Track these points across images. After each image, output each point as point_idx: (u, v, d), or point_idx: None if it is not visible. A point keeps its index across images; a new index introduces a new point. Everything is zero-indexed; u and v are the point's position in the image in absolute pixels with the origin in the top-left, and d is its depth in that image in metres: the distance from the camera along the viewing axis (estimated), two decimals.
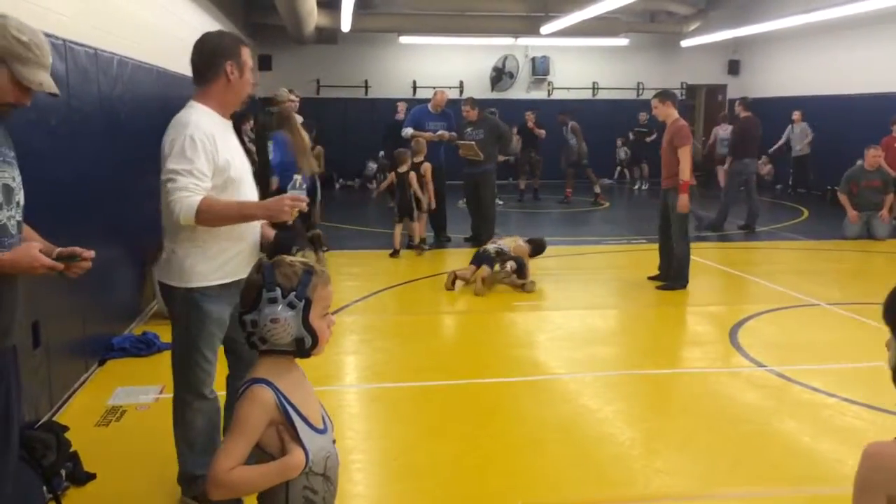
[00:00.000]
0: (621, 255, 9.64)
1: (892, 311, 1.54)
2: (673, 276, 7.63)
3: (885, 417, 4.30)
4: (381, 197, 10.49)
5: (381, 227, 10.17)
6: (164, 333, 5.63)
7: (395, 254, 9.14)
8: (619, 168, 18.10)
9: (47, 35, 4.32)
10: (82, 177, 4.92)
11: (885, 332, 1.66)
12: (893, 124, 11.57)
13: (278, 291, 1.86)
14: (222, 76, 3.06)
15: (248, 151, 3.51)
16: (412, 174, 9.19)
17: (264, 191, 7.84)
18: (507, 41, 17.35)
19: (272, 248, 3.16)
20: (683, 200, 7.30)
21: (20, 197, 2.56)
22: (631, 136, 16.67)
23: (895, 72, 13.53)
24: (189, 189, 2.89)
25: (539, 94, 18.16)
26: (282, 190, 6.41)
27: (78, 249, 2.44)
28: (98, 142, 5.27)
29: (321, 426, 1.96)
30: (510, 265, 7.53)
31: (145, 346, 5.44)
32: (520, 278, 7.55)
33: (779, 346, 5.74)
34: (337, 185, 16.08)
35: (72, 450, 3.58)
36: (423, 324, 6.54)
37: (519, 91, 18.13)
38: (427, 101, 10.37)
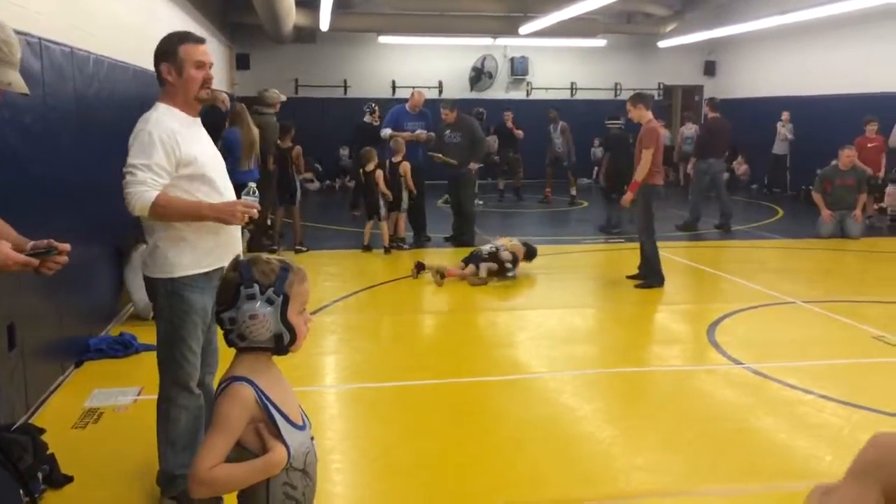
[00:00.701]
0: (599, 254, 9.71)
1: None
2: (646, 274, 7.71)
3: (861, 413, 4.36)
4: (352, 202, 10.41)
5: (360, 227, 10.11)
6: (142, 334, 5.60)
7: (367, 248, 9.24)
8: (596, 168, 18.18)
9: (22, 33, 4.29)
10: (58, 176, 4.86)
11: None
12: (866, 124, 11.73)
13: (256, 288, 1.87)
14: (163, 78, 3.18)
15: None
16: (378, 173, 9.19)
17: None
18: (485, 41, 17.39)
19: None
20: (628, 198, 7.57)
21: None
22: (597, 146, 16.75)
23: (869, 73, 13.72)
24: (146, 183, 3.02)
25: (518, 95, 18.22)
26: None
27: (53, 242, 2.40)
28: (74, 141, 5.21)
29: (300, 422, 1.97)
30: (505, 255, 7.77)
31: (123, 348, 5.38)
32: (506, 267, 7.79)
33: (755, 344, 5.80)
34: (315, 185, 15.99)
35: (49, 452, 3.55)
36: (403, 324, 6.54)
37: (498, 91, 18.18)
38: (406, 101, 10.37)
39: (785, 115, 14.99)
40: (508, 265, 7.78)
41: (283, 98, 9.48)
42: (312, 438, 2.03)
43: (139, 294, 6.21)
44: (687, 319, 6.74)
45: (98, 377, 4.97)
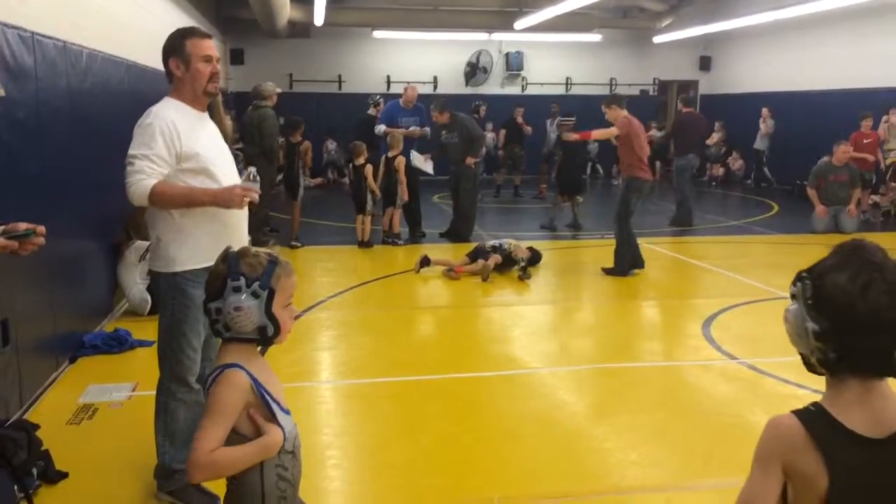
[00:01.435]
0: (594, 249, 9.71)
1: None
2: (614, 261, 7.89)
3: None
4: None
5: (350, 223, 10.10)
6: (137, 330, 5.59)
7: (362, 244, 9.22)
8: (590, 164, 18.20)
9: (15, 27, 4.27)
10: (51, 171, 4.84)
11: None
12: (862, 120, 11.75)
13: (242, 281, 1.91)
14: (172, 73, 3.20)
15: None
16: (368, 167, 9.18)
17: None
18: (481, 36, 17.37)
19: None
20: (572, 136, 8.41)
21: None
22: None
23: (863, 68, 13.74)
24: (144, 172, 3.03)
25: (513, 90, 18.21)
26: None
27: (30, 225, 2.37)
28: (67, 136, 5.19)
29: (286, 407, 2.02)
30: (521, 254, 7.84)
31: (117, 344, 5.37)
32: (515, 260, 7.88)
33: (750, 339, 5.82)
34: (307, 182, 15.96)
35: (43, 448, 3.54)
36: (399, 319, 6.54)
37: (493, 86, 18.16)
38: (400, 96, 10.35)
39: (765, 111, 15.18)
40: (522, 262, 7.78)
41: (279, 90, 9.52)
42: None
43: (134, 290, 6.21)
44: (682, 315, 6.75)
45: (93, 373, 4.96)
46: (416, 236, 9.94)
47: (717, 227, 11.22)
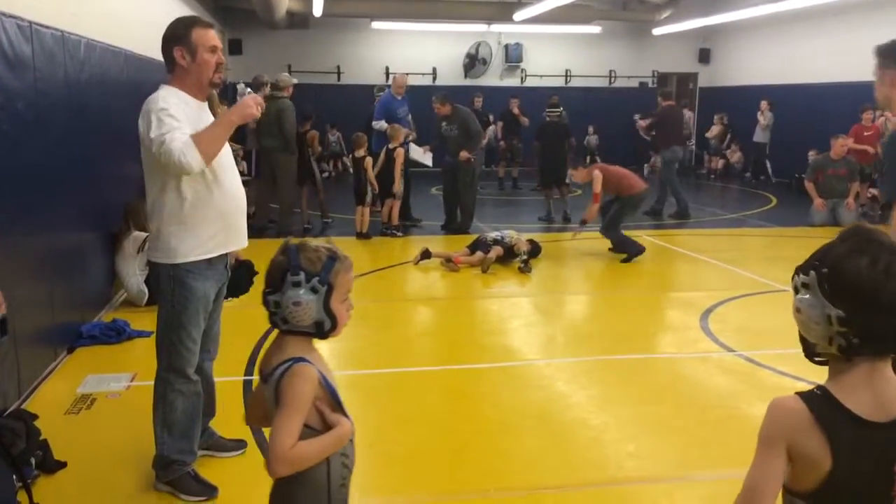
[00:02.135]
0: (592, 242, 9.70)
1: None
2: (624, 251, 8.33)
3: None
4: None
5: (350, 214, 10.09)
6: (135, 321, 5.60)
7: (361, 236, 9.22)
8: (588, 156, 18.19)
9: (13, 17, 4.25)
10: (49, 161, 4.83)
11: None
12: (863, 112, 11.74)
13: (302, 275, 1.90)
14: (176, 62, 3.16)
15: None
16: (368, 159, 9.18)
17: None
18: (480, 28, 17.32)
19: (235, 267, 3.47)
20: (592, 212, 8.58)
21: None
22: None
23: (864, 61, 13.64)
24: (176, 138, 2.95)
25: (512, 82, 18.17)
26: None
27: None
28: (65, 126, 5.17)
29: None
30: (523, 247, 7.84)
31: (115, 334, 5.37)
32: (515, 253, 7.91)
33: (748, 332, 5.83)
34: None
35: (42, 438, 3.54)
36: (397, 311, 6.54)
37: (492, 78, 18.12)
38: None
39: (763, 104, 15.14)
40: (523, 255, 7.78)
41: (295, 81, 9.69)
42: None
43: (132, 280, 6.21)
44: (680, 307, 6.76)
45: (91, 363, 4.96)
46: (406, 226, 9.95)
47: (715, 219, 11.23)
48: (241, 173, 3.22)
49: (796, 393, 1.55)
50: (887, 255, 1.48)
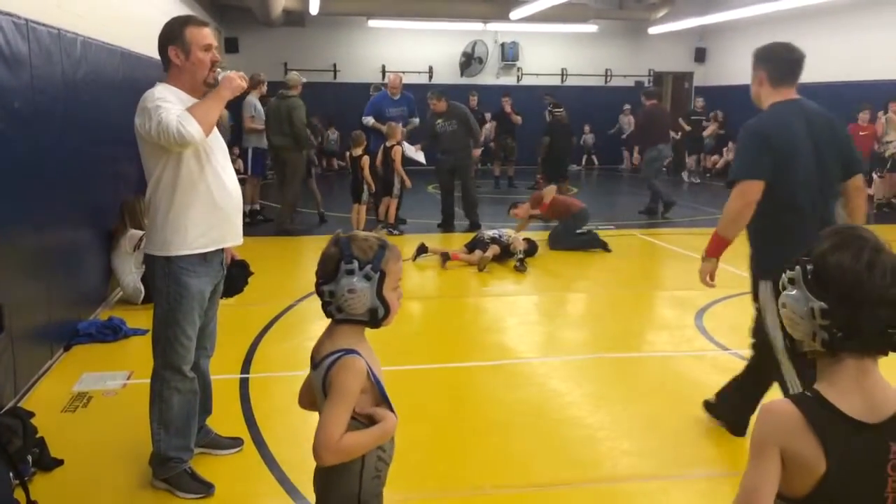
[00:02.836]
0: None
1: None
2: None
3: None
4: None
5: (347, 212, 10.10)
6: (131, 319, 5.60)
7: None
8: (585, 155, 18.25)
9: (9, 14, 4.25)
10: (46, 159, 4.83)
11: None
12: (861, 111, 11.78)
13: (356, 264, 1.96)
14: (171, 62, 3.18)
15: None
16: (365, 158, 9.19)
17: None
18: (476, 26, 17.32)
19: (230, 266, 3.51)
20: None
21: None
22: (684, 123, 16.19)
23: (860, 61, 13.76)
24: (171, 113, 2.99)
25: (508, 80, 18.17)
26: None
27: None
28: (62, 123, 5.17)
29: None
30: (519, 246, 7.86)
31: (112, 332, 5.38)
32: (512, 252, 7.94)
33: (742, 330, 5.81)
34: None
35: (38, 436, 3.55)
36: None
37: (488, 77, 18.13)
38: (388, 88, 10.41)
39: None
40: (519, 255, 7.80)
41: (304, 80, 9.90)
42: None
43: (128, 278, 6.21)
44: (675, 305, 6.78)
45: (87, 361, 4.96)
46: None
47: (710, 218, 11.24)
48: (238, 171, 3.23)
49: (787, 396, 1.57)
50: (870, 250, 1.51)
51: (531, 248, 8.17)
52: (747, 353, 5.22)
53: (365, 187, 9.23)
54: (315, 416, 2.06)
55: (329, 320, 2.08)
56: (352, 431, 1.94)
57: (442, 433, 4.03)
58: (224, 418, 3.91)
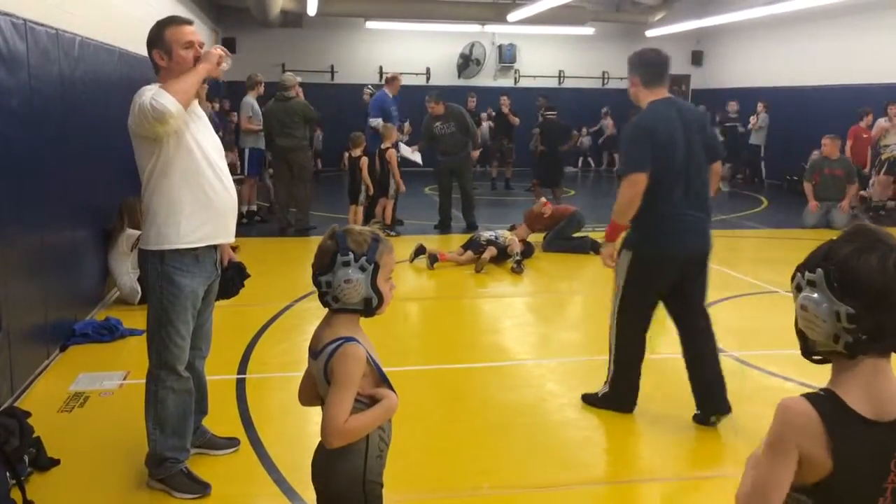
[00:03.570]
0: None
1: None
2: None
3: None
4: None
5: (345, 213, 10.11)
6: (128, 319, 5.60)
7: None
8: (581, 157, 18.27)
9: (7, 14, 4.25)
10: (43, 159, 4.83)
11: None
12: (866, 115, 11.82)
13: (351, 255, 2.07)
14: (157, 64, 3.23)
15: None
16: (364, 159, 9.20)
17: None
18: (474, 28, 17.34)
19: (226, 268, 3.54)
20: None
21: None
22: (718, 131, 15.23)
23: (856, 64, 13.80)
24: (145, 93, 3.03)
25: (506, 82, 18.19)
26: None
27: None
28: (59, 123, 5.17)
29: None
30: (515, 248, 7.85)
31: (108, 332, 5.37)
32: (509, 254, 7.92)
33: (738, 332, 5.86)
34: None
35: (35, 435, 3.54)
36: (390, 310, 6.48)
37: (486, 78, 18.15)
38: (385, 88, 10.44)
39: (760, 106, 14.97)
40: (516, 256, 7.81)
41: (299, 79, 9.87)
42: None
43: (125, 279, 6.21)
44: None
45: (84, 361, 4.96)
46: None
47: None
48: (234, 172, 3.24)
49: (802, 395, 1.56)
50: (893, 251, 1.50)
51: (528, 250, 8.18)
52: (743, 355, 5.25)
53: (363, 188, 9.23)
54: (313, 416, 2.08)
55: (326, 311, 2.16)
56: (356, 413, 2.06)
57: (439, 434, 4.03)
58: (221, 419, 3.91)
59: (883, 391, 1.54)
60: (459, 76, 17.98)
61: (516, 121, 14.08)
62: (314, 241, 9.14)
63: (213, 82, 3.26)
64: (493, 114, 14.86)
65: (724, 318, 6.24)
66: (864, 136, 11.72)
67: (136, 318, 5.58)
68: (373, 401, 2.12)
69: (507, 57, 18.09)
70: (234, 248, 3.76)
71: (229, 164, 3.54)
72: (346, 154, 9.54)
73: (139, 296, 6.07)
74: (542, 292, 7.23)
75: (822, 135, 11.17)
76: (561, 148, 12.06)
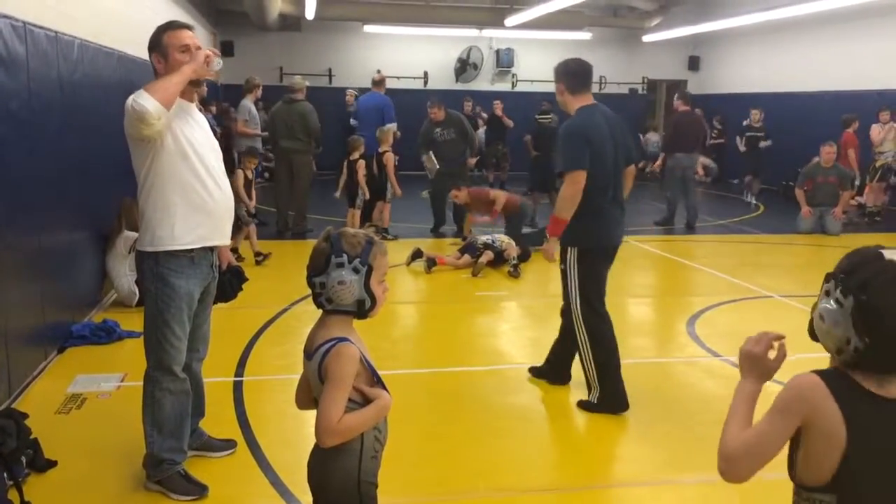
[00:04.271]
0: None
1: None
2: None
3: None
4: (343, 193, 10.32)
5: (342, 217, 10.13)
6: (125, 321, 5.60)
7: None
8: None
9: (6, 17, 4.26)
10: (42, 162, 4.84)
11: None
12: (852, 122, 11.87)
13: (345, 257, 2.09)
14: (155, 68, 3.24)
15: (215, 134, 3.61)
16: (361, 162, 9.21)
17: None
18: (471, 32, 17.38)
19: (224, 271, 3.56)
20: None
21: None
22: (741, 142, 14.02)
23: (852, 70, 13.85)
24: (131, 96, 3.02)
25: (503, 87, 18.23)
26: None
27: None
28: (58, 126, 5.18)
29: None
30: (511, 251, 7.88)
31: (105, 334, 5.38)
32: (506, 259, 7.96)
33: (734, 337, 5.85)
34: None
35: (32, 437, 3.55)
36: (387, 313, 6.55)
37: (483, 83, 18.19)
38: (388, 90, 10.46)
39: (755, 113, 14.68)
40: (513, 260, 7.83)
41: (307, 83, 9.93)
42: None
43: (122, 281, 6.21)
44: (668, 312, 6.82)
45: (81, 363, 4.97)
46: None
47: (703, 225, 11.29)
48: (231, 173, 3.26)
49: (813, 371, 1.63)
50: None
51: (525, 254, 8.20)
52: (738, 359, 5.27)
53: (359, 192, 9.25)
54: (310, 418, 2.10)
55: (320, 313, 2.18)
56: (349, 413, 2.08)
57: (435, 437, 4.05)
58: (218, 421, 3.92)
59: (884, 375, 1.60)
60: (457, 80, 18.01)
61: (510, 123, 14.09)
62: (312, 245, 9.15)
63: (210, 85, 3.25)
64: (487, 116, 14.86)
65: (719, 323, 6.28)
66: (856, 142, 11.83)
67: (133, 320, 5.58)
68: (366, 400, 2.14)
69: (504, 61, 18.13)
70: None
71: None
72: (346, 158, 9.54)
73: (137, 298, 6.08)
74: (539, 296, 7.25)
75: (817, 140, 11.22)
76: (553, 153, 11.99)
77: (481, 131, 15.19)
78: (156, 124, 3.01)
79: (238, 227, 7.95)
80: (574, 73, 4.32)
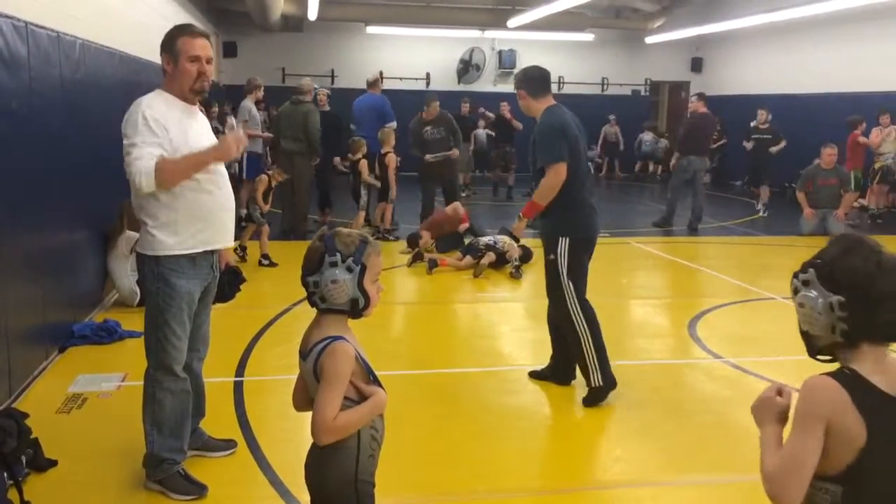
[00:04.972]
0: None
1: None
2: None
3: None
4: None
5: (343, 218, 10.14)
6: (126, 321, 5.60)
7: None
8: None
9: (8, 17, 4.27)
10: (43, 162, 4.85)
11: None
12: (857, 124, 11.86)
13: (338, 256, 2.10)
14: (164, 68, 3.24)
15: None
16: (363, 163, 9.21)
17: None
18: (474, 34, 17.38)
19: (223, 272, 3.56)
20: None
21: None
22: (748, 144, 13.39)
23: (855, 72, 13.83)
24: (143, 158, 3.03)
25: (506, 88, 18.18)
26: None
27: None
28: (60, 126, 5.19)
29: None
30: (514, 252, 7.88)
31: (107, 334, 5.38)
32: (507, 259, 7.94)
33: (735, 339, 5.88)
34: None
35: (33, 436, 3.55)
36: (388, 314, 6.56)
37: (486, 84, 18.19)
38: (390, 91, 10.46)
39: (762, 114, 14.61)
40: (515, 262, 7.82)
41: (316, 86, 9.91)
42: None
43: (124, 281, 6.21)
44: (668, 314, 6.81)
45: (82, 363, 4.97)
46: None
47: (705, 227, 11.28)
48: (232, 175, 3.25)
49: (826, 373, 1.67)
50: (876, 254, 1.69)
51: (526, 255, 8.19)
52: (740, 361, 5.27)
53: (363, 192, 9.25)
54: (310, 418, 2.10)
55: (315, 313, 2.20)
56: (345, 411, 2.08)
57: (435, 437, 4.04)
58: (218, 421, 3.92)
59: (890, 371, 1.67)
60: (459, 81, 18.02)
61: (519, 126, 14.05)
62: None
63: (211, 87, 3.26)
64: (492, 117, 14.83)
65: (721, 325, 6.27)
66: (862, 143, 11.82)
67: (134, 320, 5.58)
68: (362, 398, 2.14)
69: (506, 62, 18.13)
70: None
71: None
72: (349, 157, 9.56)
73: (138, 298, 6.08)
74: (540, 297, 7.21)
75: (820, 142, 11.16)
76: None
77: (481, 131, 15.18)
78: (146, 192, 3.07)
79: (243, 226, 7.96)
80: (533, 79, 4.64)
